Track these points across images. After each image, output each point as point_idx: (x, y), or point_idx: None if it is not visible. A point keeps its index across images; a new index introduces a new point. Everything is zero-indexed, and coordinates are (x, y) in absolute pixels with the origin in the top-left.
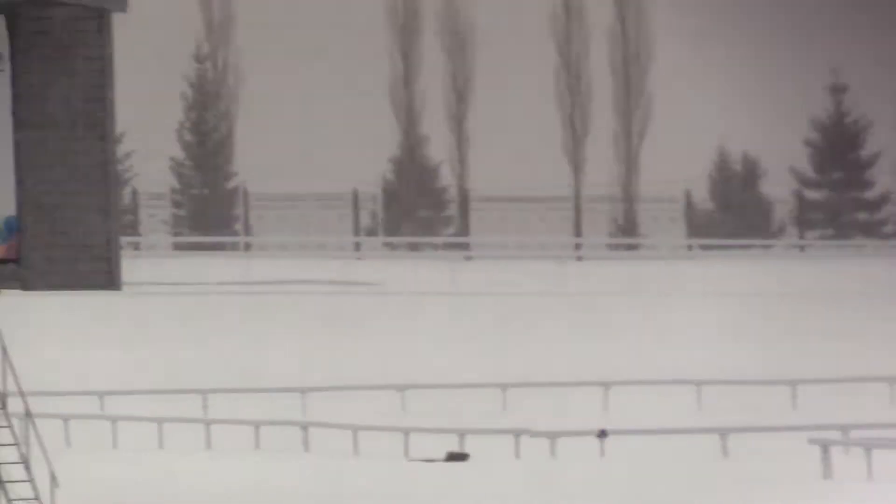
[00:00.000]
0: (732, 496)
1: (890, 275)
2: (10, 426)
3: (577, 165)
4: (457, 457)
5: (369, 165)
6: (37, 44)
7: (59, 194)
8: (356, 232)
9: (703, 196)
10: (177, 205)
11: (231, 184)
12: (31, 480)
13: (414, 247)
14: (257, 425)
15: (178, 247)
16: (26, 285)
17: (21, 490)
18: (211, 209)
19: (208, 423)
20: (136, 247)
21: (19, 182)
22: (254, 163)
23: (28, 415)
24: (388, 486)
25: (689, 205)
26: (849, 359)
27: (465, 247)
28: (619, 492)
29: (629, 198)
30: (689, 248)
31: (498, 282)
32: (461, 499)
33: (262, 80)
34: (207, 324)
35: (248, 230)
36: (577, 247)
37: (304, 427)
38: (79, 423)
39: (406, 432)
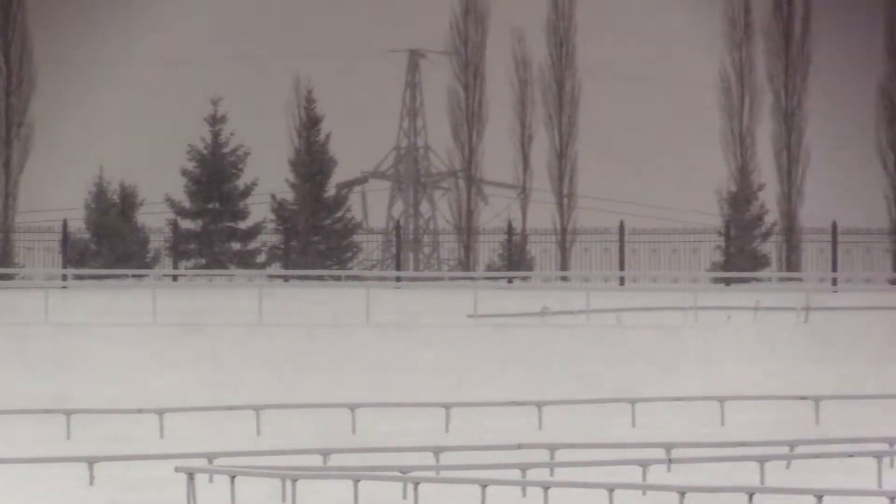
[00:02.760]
0: None
1: (259, 303)
2: None
3: None
4: None
5: None
6: None
7: None
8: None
9: (80, 226)
10: None
11: None
12: None
13: None
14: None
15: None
16: None
17: None
18: None
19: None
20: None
21: None
22: None
23: None
24: None
25: (66, 234)
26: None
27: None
28: None
29: (6, 228)
30: (64, 277)
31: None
32: None
33: None
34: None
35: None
36: None
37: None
38: None
39: None
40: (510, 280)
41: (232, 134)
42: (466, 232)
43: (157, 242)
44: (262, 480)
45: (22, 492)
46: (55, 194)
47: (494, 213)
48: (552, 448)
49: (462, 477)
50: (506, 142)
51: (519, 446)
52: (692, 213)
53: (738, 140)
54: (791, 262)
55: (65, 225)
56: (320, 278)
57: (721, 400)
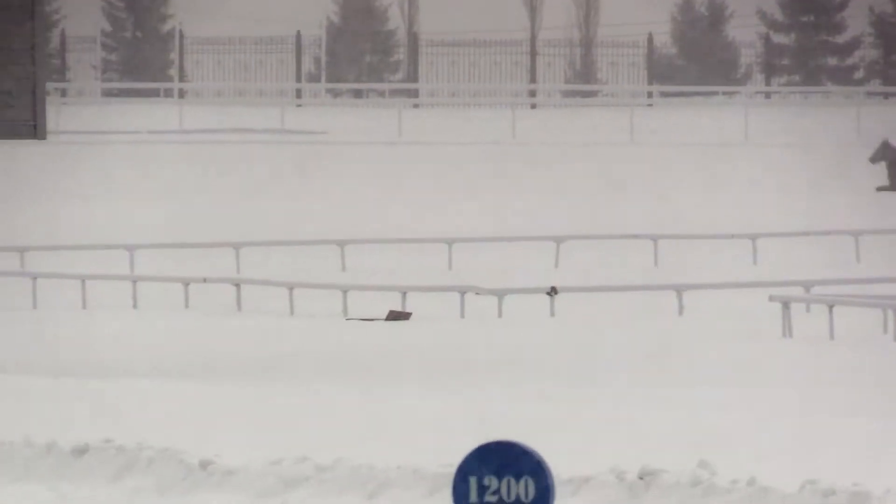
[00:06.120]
0: (690, 352)
1: (858, 122)
2: None
3: (533, 7)
4: (399, 316)
5: (313, 7)
6: None
7: None
8: (298, 78)
9: (665, 41)
10: (108, 49)
11: (166, 26)
12: None
13: (359, 94)
14: (186, 283)
15: (108, 93)
16: None
17: None
18: (144, 53)
19: (134, 281)
20: (64, 93)
21: None
22: (190, 4)
23: None
24: (325, 345)
25: (650, 50)
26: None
27: (413, 93)
28: (568, 352)
29: (587, 42)
30: (649, 94)
31: (447, 129)
32: (403, 358)
33: None
34: (135, 175)
35: (183, 76)
36: (532, 93)
37: (237, 285)
38: None
39: (345, 290)
40: None
41: None
42: None
43: (748, 58)
44: (861, 311)
45: (605, 320)
46: (639, 6)
47: None
48: None
49: None
50: None
51: None
52: None
53: None
54: None
55: (650, 39)
56: None
57: None
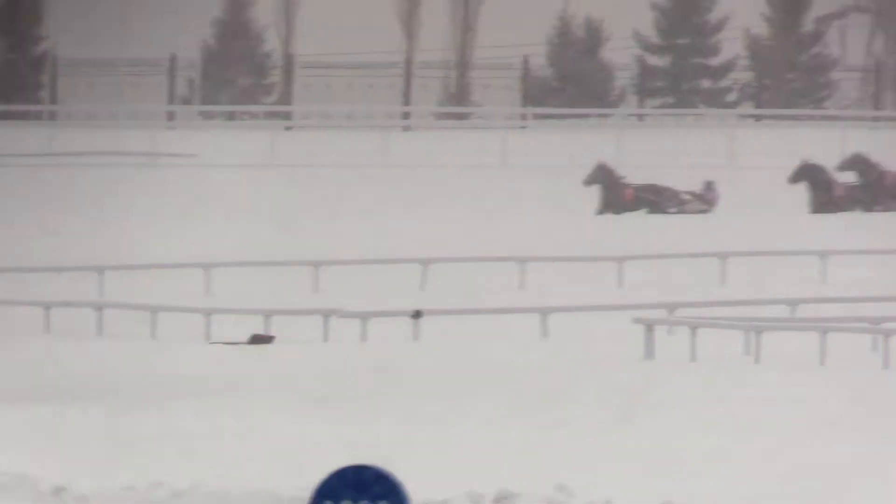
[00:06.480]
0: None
1: (730, 145)
2: None
3: (409, 29)
4: (261, 339)
5: (191, 30)
6: None
7: None
8: (171, 100)
9: (541, 63)
10: None
11: (39, 48)
12: None
13: (231, 116)
14: (47, 307)
15: None
16: None
17: None
18: (16, 75)
19: None
20: None
21: None
22: (64, 26)
23: None
24: (185, 369)
25: (526, 72)
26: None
27: (286, 115)
28: (431, 375)
29: (463, 64)
30: (523, 117)
31: (319, 152)
32: (265, 382)
33: None
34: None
35: (54, 98)
36: (405, 116)
37: (99, 308)
38: None
39: (208, 314)
40: None
41: None
42: None
43: (623, 80)
44: (723, 332)
45: (470, 342)
46: (516, 29)
47: None
48: None
49: None
50: None
51: None
52: None
53: None
54: None
55: (525, 61)
56: (793, 118)
57: None
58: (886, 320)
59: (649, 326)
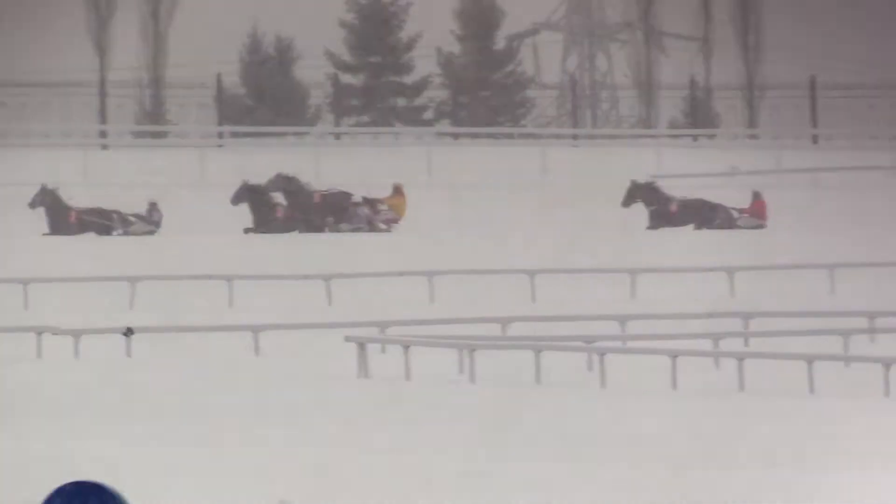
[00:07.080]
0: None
1: (428, 163)
2: None
3: (101, 48)
4: None
5: None
6: None
7: None
8: None
9: (234, 81)
10: None
11: None
12: None
13: None
14: None
15: None
16: None
17: None
18: None
19: None
20: None
21: None
22: None
23: None
24: None
25: (220, 90)
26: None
27: None
28: (144, 392)
29: (156, 83)
30: (220, 135)
31: (10, 171)
32: None
33: None
34: None
35: None
36: (102, 135)
37: None
38: None
39: None
40: (695, 138)
41: None
42: (647, 87)
43: (317, 98)
44: (437, 351)
45: (184, 360)
46: (207, 47)
47: (674, 67)
48: (746, 317)
49: (650, 347)
50: None
51: (710, 315)
52: (890, 66)
53: None
54: None
55: (219, 79)
56: (492, 136)
57: None
58: (599, 339)
59: (361, 345)
